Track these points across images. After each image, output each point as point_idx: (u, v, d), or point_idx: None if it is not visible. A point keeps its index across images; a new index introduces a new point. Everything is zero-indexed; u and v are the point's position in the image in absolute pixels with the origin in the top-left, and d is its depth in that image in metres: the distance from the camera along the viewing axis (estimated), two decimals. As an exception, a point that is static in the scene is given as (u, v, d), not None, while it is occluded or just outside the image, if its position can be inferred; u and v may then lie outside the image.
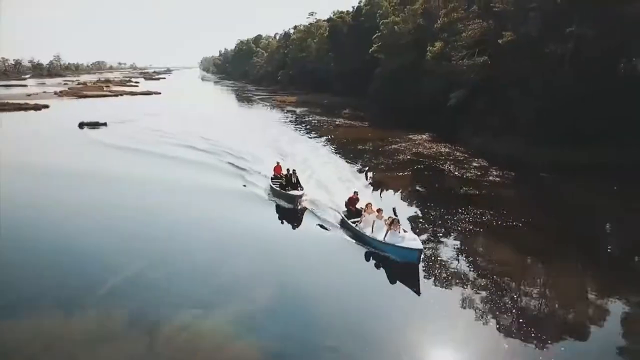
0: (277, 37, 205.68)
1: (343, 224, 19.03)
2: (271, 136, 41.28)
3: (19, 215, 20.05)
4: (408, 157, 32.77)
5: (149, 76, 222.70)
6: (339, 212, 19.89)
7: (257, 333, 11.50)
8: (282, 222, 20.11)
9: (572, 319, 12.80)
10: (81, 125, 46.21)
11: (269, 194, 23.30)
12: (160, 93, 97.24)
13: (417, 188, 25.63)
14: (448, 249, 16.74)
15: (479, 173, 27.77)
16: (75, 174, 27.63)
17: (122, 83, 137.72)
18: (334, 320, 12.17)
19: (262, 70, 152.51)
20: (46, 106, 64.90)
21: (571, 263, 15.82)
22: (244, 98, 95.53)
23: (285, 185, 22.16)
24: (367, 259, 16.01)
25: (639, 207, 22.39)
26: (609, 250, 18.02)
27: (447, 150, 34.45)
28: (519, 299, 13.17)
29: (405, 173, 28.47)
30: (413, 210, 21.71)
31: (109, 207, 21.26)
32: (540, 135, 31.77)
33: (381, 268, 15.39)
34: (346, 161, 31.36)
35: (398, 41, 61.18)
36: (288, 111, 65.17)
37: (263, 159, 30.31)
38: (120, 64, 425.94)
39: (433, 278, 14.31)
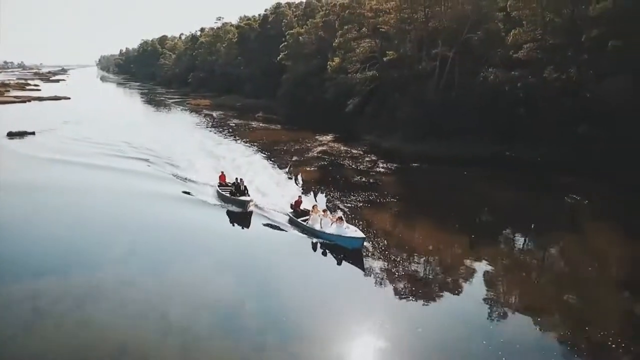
0: (183, 38, 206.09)
1: (292, 222, 23.25)
2: (196, 141, 46.83)
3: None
4: (316, 155, 40.51)
5: (46, 78, 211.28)
6: (285, 213, 24.18)
7: (233, 280, 18.24)
8: (234, 225, 24.13)
9: (448, 278, 18.15)
10: (10, 134, 48.15)
11: (218, 200, 27.01)
12: (69, 98, 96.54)
13: (324, 180, 33.07)
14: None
15: (369, 165, 36.26)
16: (28, 185, 30.98)
17: (21, 87, 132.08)
18: (297, 291, 17.31)
19: (170, 72, 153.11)
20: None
21: (437, 227, 23.63)
22: (158, 102, 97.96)
23: (235, 192, 26.01)
24: (316, 249, 20.80)
25: (483, 187, 31.84)
26: (479, 218, 26.11)
27: (346, 148, 42.70)
28: (410, 260, 19.33)
29: (314, 168, 36.00)
30: (322, 197, 29.08)
31: (67, 211, 25.71)
32: (414, 134, 41.03)
33: (329, 254, 20.16)
34: (269, 162, 37.71)
35: (302, 50, 68.80)
36: (206, 115, 70.30)
37: (195, 164, 35.07)
38: (6, 62, 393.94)
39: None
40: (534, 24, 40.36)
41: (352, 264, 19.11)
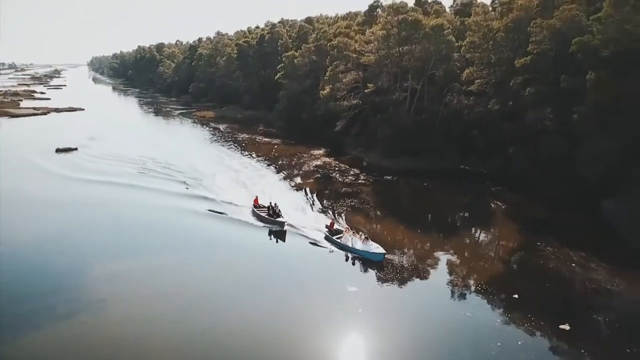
0: (178, 44, 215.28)
1: (327, 239, 30.09)
2: (213, 155, 57.15)
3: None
4: (312, 168, 51.23)
5: (45, 82, 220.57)
6: (322, 232, 31.10)
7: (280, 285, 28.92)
8: (271, 238, 31.54)
9: (419, 266, 27.26)
10: (58, 150, 58.01)
11: (257, 220, 33.95)
12: (83, 109, 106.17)
13: (320, 191, 43.35)
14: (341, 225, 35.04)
15: (353, 178, 47.12)
16: (97, 201, 40.97)
17: (30, 95, 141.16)
18: (333, 285, 25.10)
19: (170, 80, 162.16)
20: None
21: (411, 227, 34.36)
22: (166, 113, 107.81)
23: (271, 214, 33.25)
24: (347, 260, 28.18)
25: (440, 194, 42.81)
26: (429, 218, 37.25)
27: (335, 162, 53.51)
28: (394, 254, 29.35)
29: (311, 180, 46.68)
30: (317, 204, 39.63)
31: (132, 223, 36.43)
32: (389, 151, 51.97)
33: (357, 263, 27.72)
34: (278, 177, 47.38)
35: (297, 72, 79.20)
36: (214, 128, 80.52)
37: (217, 178, 44.63)
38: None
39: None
40: (483, 65, 51.36)
41: (375, 270, 26.79)
